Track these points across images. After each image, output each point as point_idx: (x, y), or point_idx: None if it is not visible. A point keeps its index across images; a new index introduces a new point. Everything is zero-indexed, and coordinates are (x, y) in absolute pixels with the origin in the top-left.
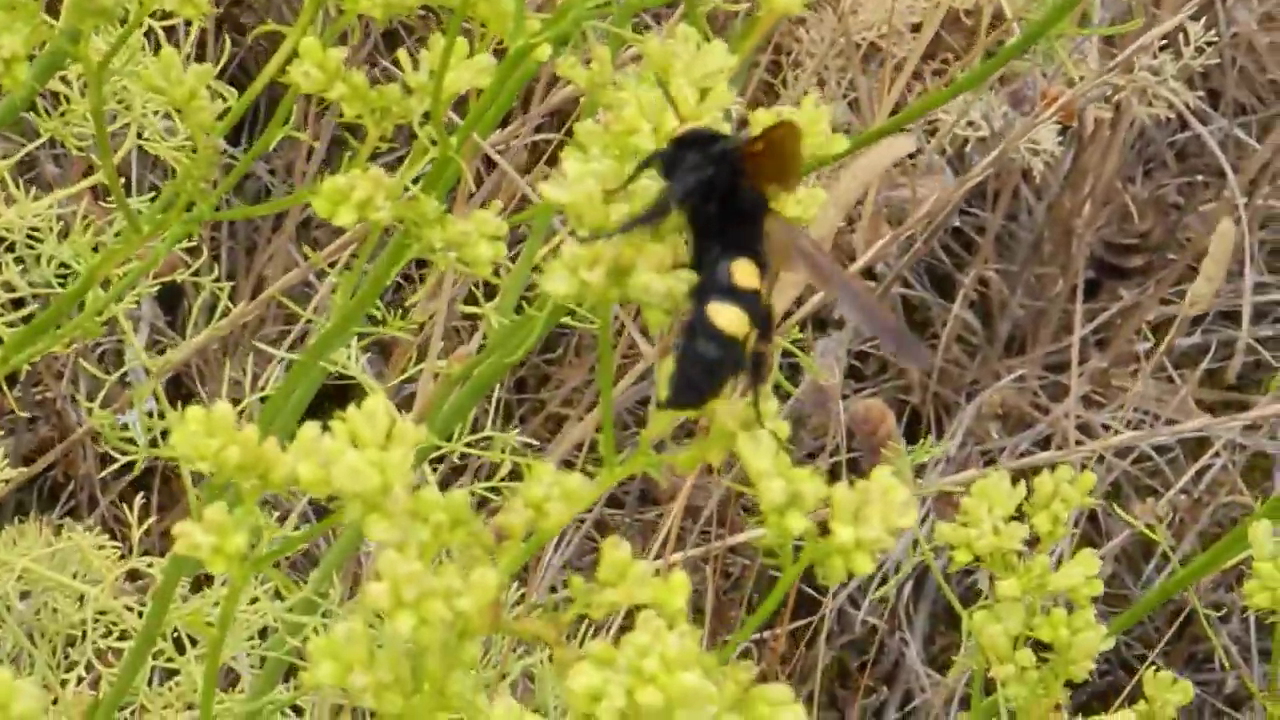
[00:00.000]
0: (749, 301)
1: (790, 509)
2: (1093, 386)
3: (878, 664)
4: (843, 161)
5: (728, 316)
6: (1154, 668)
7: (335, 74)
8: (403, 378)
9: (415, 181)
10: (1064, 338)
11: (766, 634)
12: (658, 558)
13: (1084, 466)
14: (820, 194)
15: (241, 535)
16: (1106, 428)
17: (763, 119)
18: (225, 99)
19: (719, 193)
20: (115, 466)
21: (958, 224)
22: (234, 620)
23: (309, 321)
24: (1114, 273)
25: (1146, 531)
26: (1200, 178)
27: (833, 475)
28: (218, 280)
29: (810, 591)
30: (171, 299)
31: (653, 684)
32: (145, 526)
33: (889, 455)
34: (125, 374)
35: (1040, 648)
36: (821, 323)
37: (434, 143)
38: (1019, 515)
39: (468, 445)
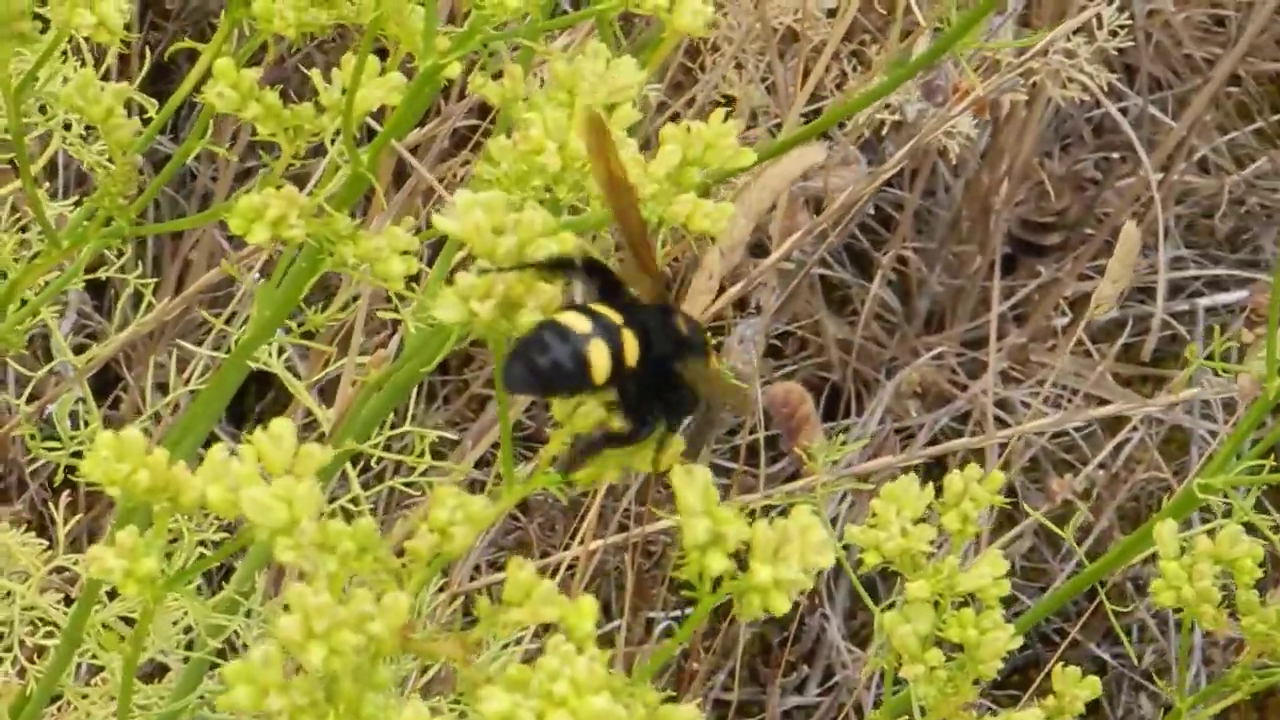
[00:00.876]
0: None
1: (712, 548)
2: (1011, 362)
3: (799, 641)
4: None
5: (578, 322)
6: (1072, 642)
7: (249, 94)
8: (321, 375)
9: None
10: (982, 314)
11: (688, 610)
12: (578, 540)
13: (1003, 445)
14: (728, 208)
15: (152, 559)
16: (1026, 404)
17: (669, 135)
18: (146, 110)
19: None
20: (41, 462)
21: (876, 202)
22: (156, 617)
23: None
24: (1031, 250)
25: (1051, 525)
26: (1117, 154)
27: (750, 454)
28: (141, 275)
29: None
30: (99, 286)
31: (563, 708)
32: (71, 524)
33: (805, 440)
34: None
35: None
36: (741, 304)
37: (347, 160)
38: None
39: (390, 438)
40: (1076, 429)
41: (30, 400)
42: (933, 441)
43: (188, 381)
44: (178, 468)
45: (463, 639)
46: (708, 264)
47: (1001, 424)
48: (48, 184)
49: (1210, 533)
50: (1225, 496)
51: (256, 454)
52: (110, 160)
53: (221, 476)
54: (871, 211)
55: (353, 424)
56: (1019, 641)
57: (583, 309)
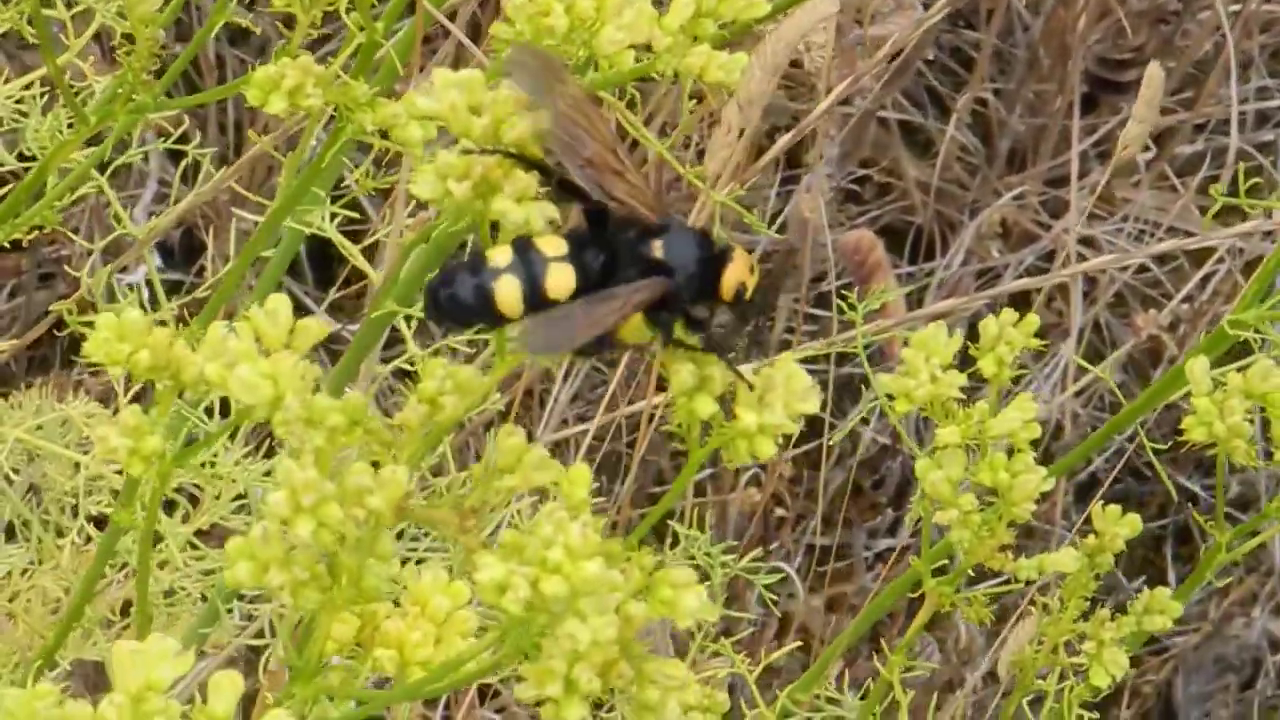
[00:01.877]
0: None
1: (699, 393)
2: (1095, 200)
3: (884, 484)
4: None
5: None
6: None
7: None
8: (370, 240)
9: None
10: (1064, 153)
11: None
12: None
13: (1088, 282)
14: (742, 58)
15: (157, 436)
16: (1111, 241)
17: None
18: None
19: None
20: None
21: (955, 44)
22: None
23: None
24: (1110, 87)
25: (1086, 367)
26: None
27: (822, 302)
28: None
29: (820, 415)
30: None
31: (557, 574)
32: (133, 392)
33: (878, 285)
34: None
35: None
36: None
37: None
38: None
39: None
40: (1161, 264)
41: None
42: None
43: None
44: (178, 346)
45: (459, 506)
46: (726, 118)
47: (1083, 258)
48: (91, 59)
49: (1242, 369)
50: (1258, 331)
51: (253, 330)
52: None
53: (220, 354)
54: (952, 52)
55: (393, 287)
56: (1051, 483)
57: (516, 242)
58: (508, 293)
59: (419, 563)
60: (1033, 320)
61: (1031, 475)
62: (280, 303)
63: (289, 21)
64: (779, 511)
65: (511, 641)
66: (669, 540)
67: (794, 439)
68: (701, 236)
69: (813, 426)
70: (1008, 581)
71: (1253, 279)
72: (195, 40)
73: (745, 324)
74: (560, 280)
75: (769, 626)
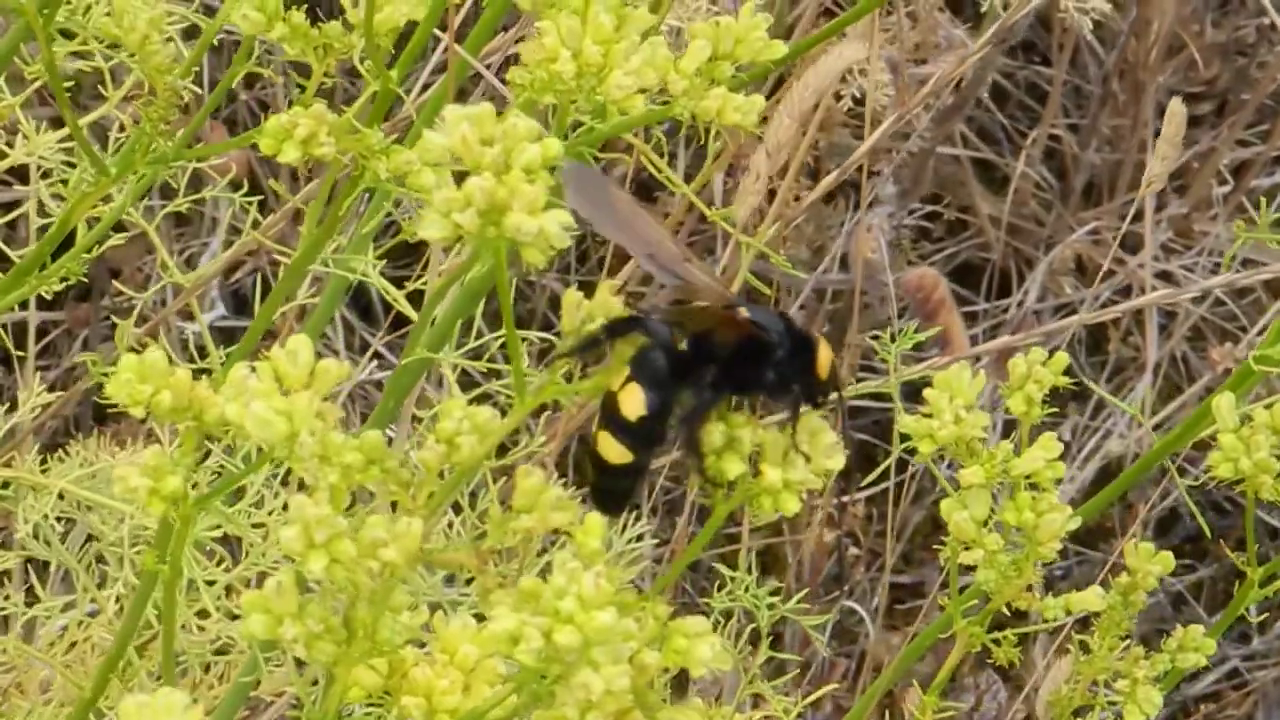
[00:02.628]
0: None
1: (727, 452)
2: (1173, 234)
3: None
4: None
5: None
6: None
7: (274, 15)
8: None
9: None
10: (1139, 188)
11: (845, 498)
12: None
13: (1169, 314)
14: (759, 99)
15: (178, 477)
16: (1189, 272)
17: (698, 30)
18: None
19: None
20: None
21: (1030, 80)
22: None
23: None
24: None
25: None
26: (1268, 20)
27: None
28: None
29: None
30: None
31: (570, 624)
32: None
33: (942, 322)
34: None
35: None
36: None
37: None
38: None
39: (473, 348)
40: (1239, 297)
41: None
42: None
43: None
44: (199, 386)
45: (477, 548)
46: (754, 165)
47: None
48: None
49: (1269, 405)
50: None
51: (273, 371)
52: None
53: (241, 394)
54: (1028, 88)
55: (420, 332)
56: (1077, 522)
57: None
58: (608, 449)
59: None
60: (1061, 359)
61: (1057, 515)
62: (301, 343)
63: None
64: (854, 550)
65: (527, 690)
66: (717, 584)
67: (870, 478)
68: (782, 314)
69: (901, 463)
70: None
71: (1277, 313)
72: (216, 92)
73: (840, 400)
74: (632, 402)
75: (838, 667)
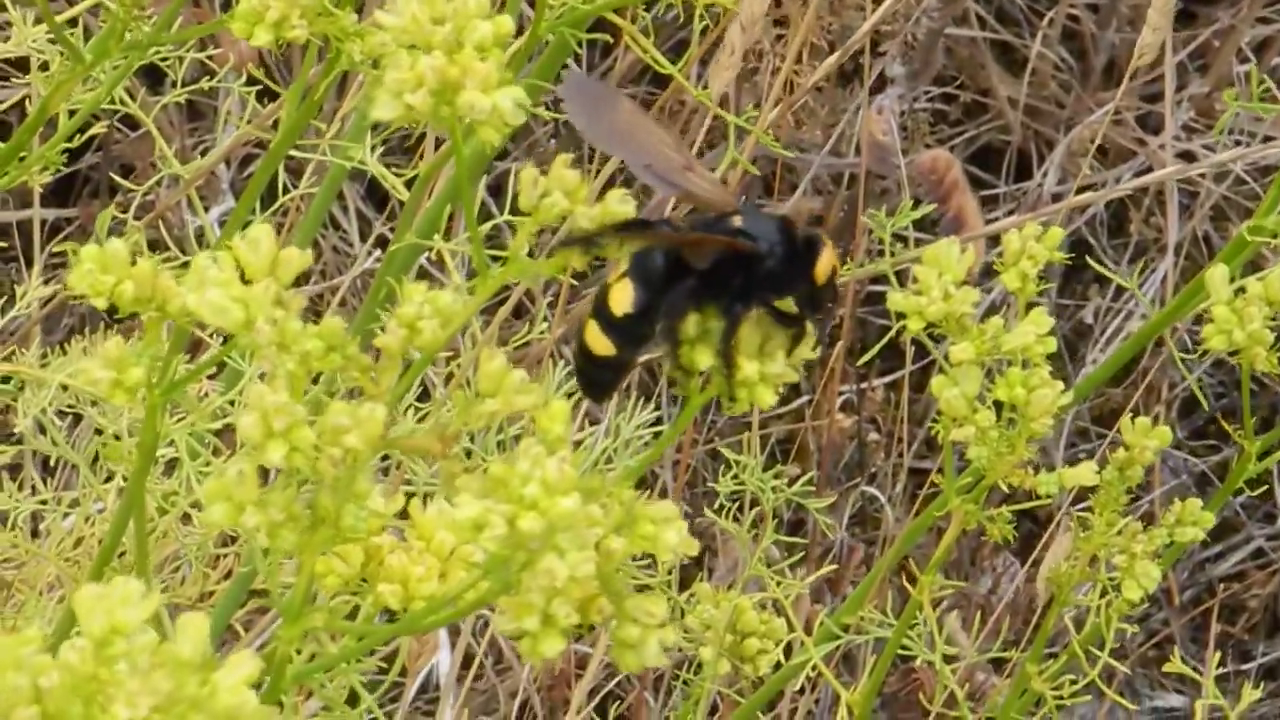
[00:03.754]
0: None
1: (700, 343)
2: (1194, 114)
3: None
4: None
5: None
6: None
7: None
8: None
9: None
10: (1160, 68)
11: (864, 384)
12: None
13: (1192, 194)
14: None
15: (140, 368)
16: (1209, 152)
17: None
18: None
19: None
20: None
21: None
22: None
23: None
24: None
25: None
26: None
27: (898, 239)
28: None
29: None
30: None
31: (533, 510)
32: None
33: (956, 204)
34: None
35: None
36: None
37: None
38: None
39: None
40: (1261, 175)
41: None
42: (1110, 202)
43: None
44: (162, 277)
45: (441, 432)
46: (729, 39)
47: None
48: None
49: (1263, 277)
50: (1276, 237)
51: (236, 259)
52: None
53: (203, 284)
54: None
55: (409, 217)
56: (1069, 397)
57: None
58: (594, 339)
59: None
60: (1056, 234)
61: (1048, 390)
62: (262, 231)
63: None
64: (874, 436)
65: (495, 577)
66: (723, 468)
67: (868, 356)
68: (782, 220)
69: (921, 349)
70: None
71: (1273, 184)
72: None
73: (833, 305)
74: (620, 297)
75: (856, 552)
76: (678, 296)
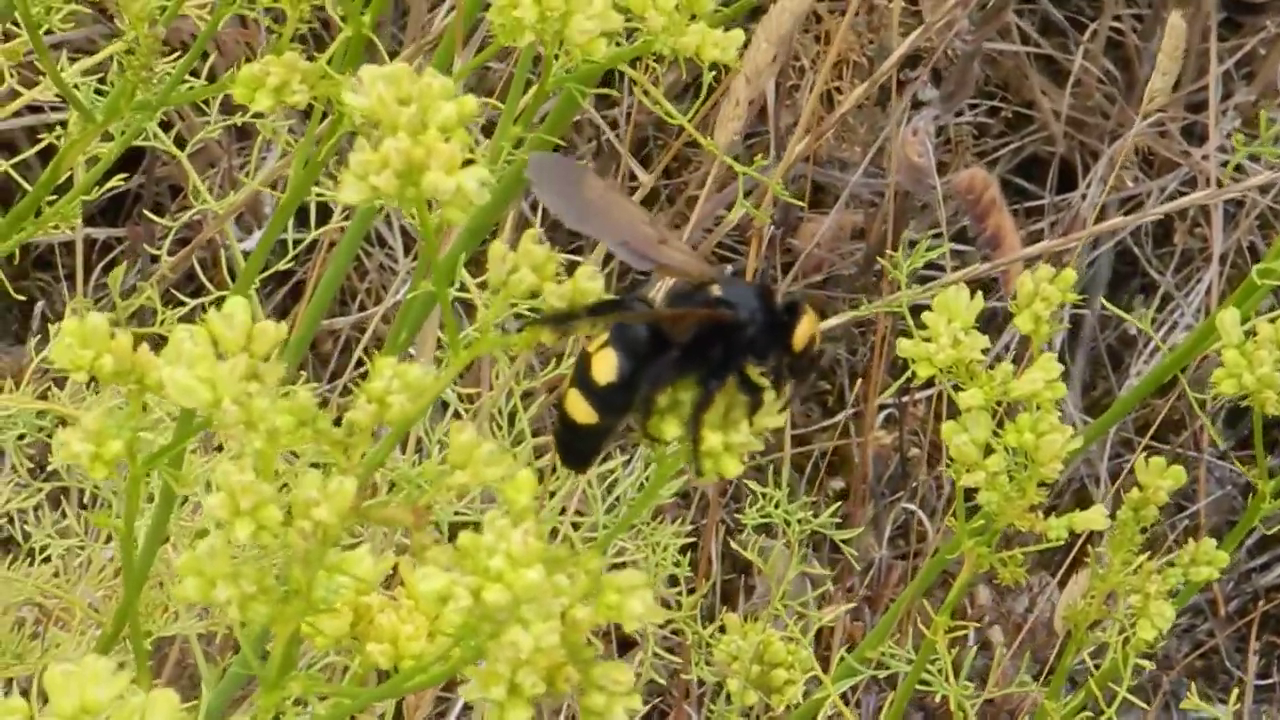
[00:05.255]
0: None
1: (669, 414)
2: (1241, 124)
3: None
4: None
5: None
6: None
7: None
8: None
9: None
10: (1205, 78)
11: (904, 398)
12: None
13: (1241, 204)
14: (738, 35)
15: (119, 441)
16: (1255, 161)
17: None
18: None
19: None
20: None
21: None
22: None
23: None
24: (1248, 8)
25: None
26: None
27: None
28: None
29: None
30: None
31: (499, 582)
32: None
33: (993, 223)
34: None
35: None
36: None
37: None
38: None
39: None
40: None
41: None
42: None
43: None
44: (141, 351)
45: (414, 504)
46: (734, 91)
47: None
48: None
49: (1274, 319)
50: None
51: (209, 334)
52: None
53: (178, 359)
54: None
55: (424, 266)
56: (1078, 442)
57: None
58: (575, 404)
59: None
60: (1069, 276)
61: (1057, 435)
62: (237, 306)
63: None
64: (915, 450)
65: (465, 646)
66: (749, 500)
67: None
68: (762, 289)
69: None
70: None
71: None
72: (200, 39)
73: (810, 374)
74: (604, 366)
75: (895, 569)
76: (661, 367)
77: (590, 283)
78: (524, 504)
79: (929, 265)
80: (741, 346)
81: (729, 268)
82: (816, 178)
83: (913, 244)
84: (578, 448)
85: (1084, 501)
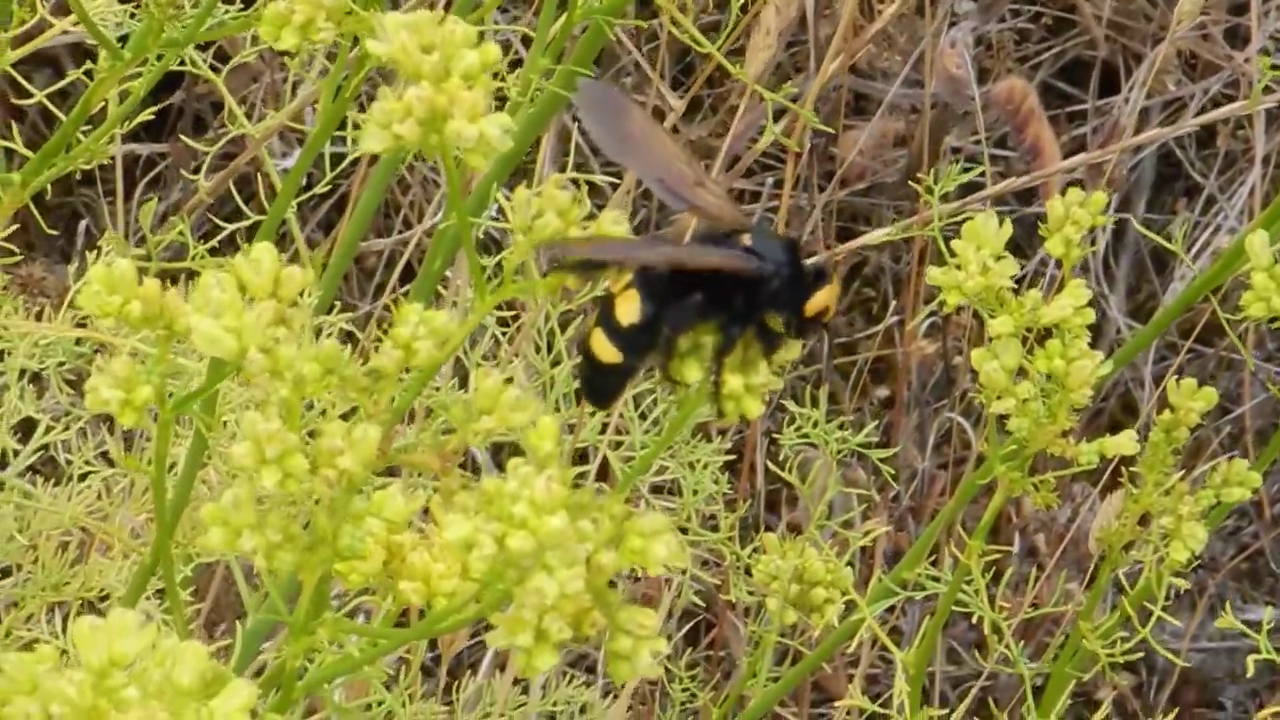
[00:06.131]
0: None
1: (690, 357)
2: None
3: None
4: None
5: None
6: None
7: None
8: None
9: None
10: None
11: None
12: None
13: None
14: None
15: (148, 387)
16: None
17: None
18: None
19: None
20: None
21: None
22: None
23: None
24: None
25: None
26: None
27: (969, 165)
28: None
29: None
30: None
31: (523, 529)
32: None
33: (1033, 132)
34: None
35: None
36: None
37: None
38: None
39: None
40: None
41: None
42: (1200, 113)
43: None
44: (169, 296)
45: (440, 448)
46: (764, 20)
47: (1269, 90)
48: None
49: None
50: None
51: (237, 280)
52: None
53: (205, 305)
54: None
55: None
56: (1109, 367)
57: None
58: (599, 343)
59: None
60: (1099, 200)
61: (1087, 361)
62: (264, 250)
63: None
64: (959, 359)
65: (492, 591)
66: (786, 419)
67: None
68: (791, 244)
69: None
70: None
71: None
72: None
73: (816, 334)
74: (627, 308)
75: (938, 481)
76: (683, 311)
77: (616, 227)
78: (548, 450)
79: (968, 173)
80: (763, 299)
81: (759, 214)
82: (859, 88)
83: (955, 150)
84: (601, 386)
85: (1129, 405)
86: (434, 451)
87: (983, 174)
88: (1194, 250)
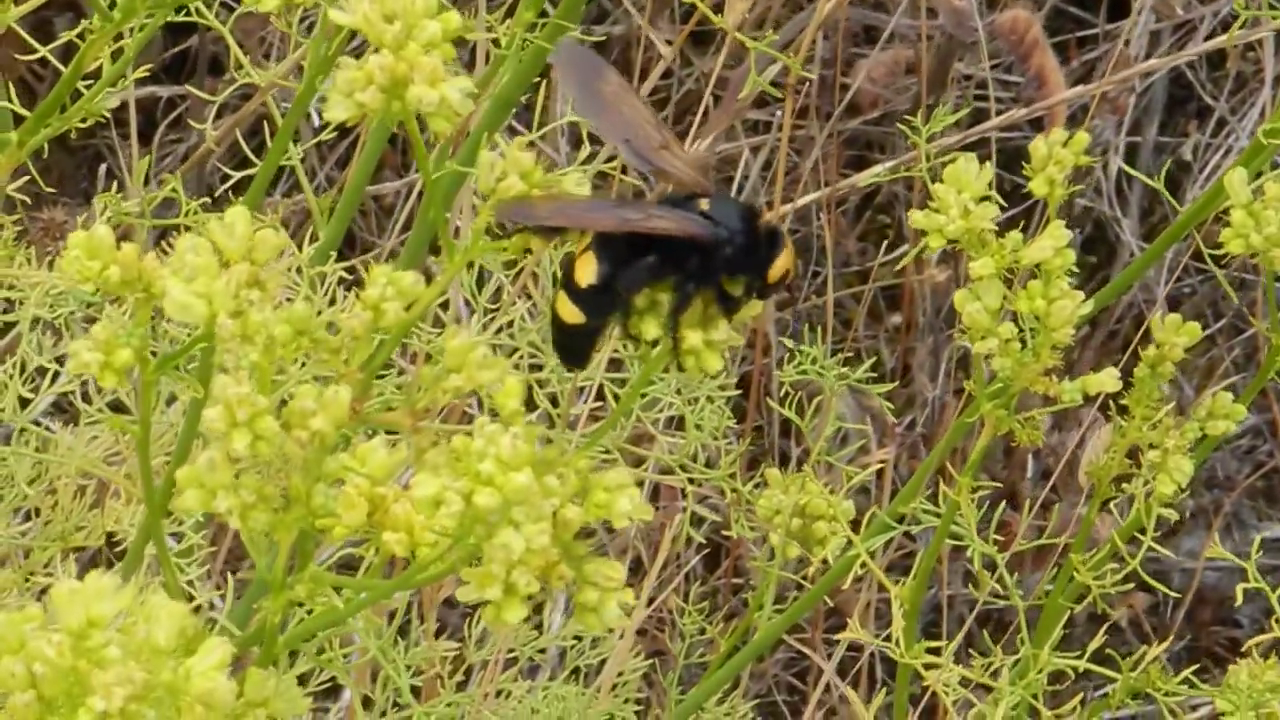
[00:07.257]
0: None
1: (648, 314)
2: None
3: (1096, 243)
4: None
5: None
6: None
7: None
8: None
9: None
10: None
11: None
12: None
13: None
14: None
15: (128, 350)
16: None
17: None
18: None
19: None
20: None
21: None
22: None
23: None
24: None
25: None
26: None
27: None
28: None
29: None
30: None
31: (489, 486)
32: None
33: (1038, 61)
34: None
35: None
36: None
37: None
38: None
39: None
40: None
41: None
42: (1210, 36)
43: None
44: (147, 260)
45: (411, 407)
46: None
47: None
48: None
49: None
50: None
51: (211, 244)
52: None
53: (181, 270)
54: None
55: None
56: (1089, 306)
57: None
58: (563, 307)
59: None
60: (1081, 139)
61: (1068, 301)
62: (238, 215)
63: None
64: None
65: (460, 547)
66: (787, 357)
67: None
68: (748, 210)
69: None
70: None
71: None
72: None
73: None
74: (585, 270)
75: (948, 408)
76: (637, 270)
77: (578, 189)
78: (513, 407)
79: (979, 99)
80: (718, 263)
81: (721, 184)
82: (865, 19)
83: (966, 78)
84: (570, 346)
85: (1142, 325)
86: (405, 411)
87: (988, 104)
88: (1205, 172)
